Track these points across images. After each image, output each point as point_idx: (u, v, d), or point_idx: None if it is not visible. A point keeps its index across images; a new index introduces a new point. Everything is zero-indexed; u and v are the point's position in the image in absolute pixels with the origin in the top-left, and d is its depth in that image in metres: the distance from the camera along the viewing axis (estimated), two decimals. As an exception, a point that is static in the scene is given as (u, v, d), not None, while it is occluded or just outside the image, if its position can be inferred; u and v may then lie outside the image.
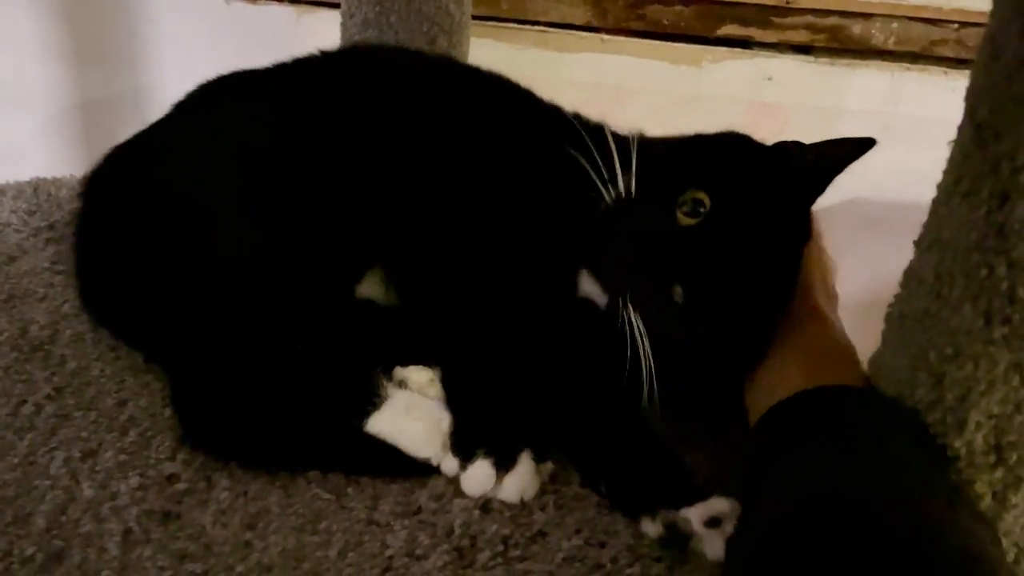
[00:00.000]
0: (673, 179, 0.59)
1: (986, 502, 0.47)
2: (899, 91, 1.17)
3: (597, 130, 0.70)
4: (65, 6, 1.31)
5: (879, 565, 0.38)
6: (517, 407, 0.57)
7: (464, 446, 0.54)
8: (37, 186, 0.87)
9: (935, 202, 0.48)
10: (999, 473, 0.46)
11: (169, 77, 1.31)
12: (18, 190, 0.86)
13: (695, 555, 0.50)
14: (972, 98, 0.44)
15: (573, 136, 0.68)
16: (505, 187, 0.65)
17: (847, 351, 0.57)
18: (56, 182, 0.89)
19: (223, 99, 0.70)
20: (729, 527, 0.49)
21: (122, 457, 0.54)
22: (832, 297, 0.62)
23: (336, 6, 1.20)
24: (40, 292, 0.71)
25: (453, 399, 0.57)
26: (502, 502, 0.53)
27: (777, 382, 0.55)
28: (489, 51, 1.16)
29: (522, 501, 0.53)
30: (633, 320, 0.56)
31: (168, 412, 0.58)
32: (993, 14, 0.43)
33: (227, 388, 0.57)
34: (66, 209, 0.83)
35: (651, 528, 0.51)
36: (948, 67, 1.16)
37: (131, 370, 0.63)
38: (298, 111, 0.67)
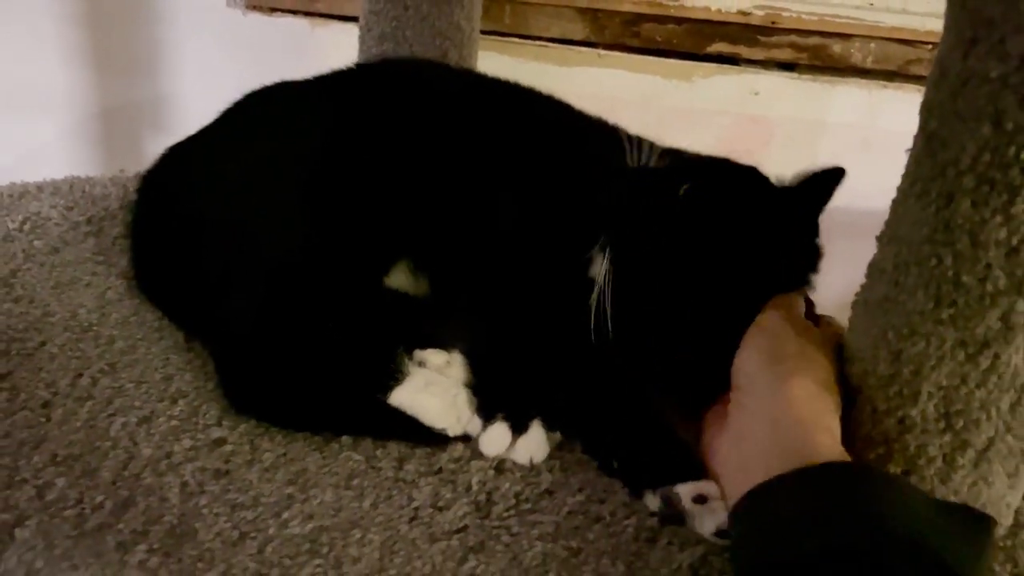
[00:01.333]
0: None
1: (936, 464, 0.54)
2: (877, 107, 1.24)
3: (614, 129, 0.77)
4: (87, 14, 1.37)
5: None
6: (533, 381, 0.64)
7: (485, 409, 0.61)
8: (72, 184, 0.94)
9: (894, 202, 0.55)
10: (947, 438, 0.53)
11: (187, 86, 1.38)
12: (55, 187, 0.93)
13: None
14: (924, 112, 0.52)
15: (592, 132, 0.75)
16: (525, 187, 0.72)
17: (807, 425, 0.52)
18: (89, 180, 0.95)
19: (268, 107, 0.77)
20: (716, 505, 0.54)
21: (174, 423, 0.61)
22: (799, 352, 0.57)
23: (349, 19, 1.28)
24: (85, 279, 0.77)
25: (477, 370, 0.64)
26: (514, 463, 0.59)
27: (737, 467, 0.54)
28: (493, 64, 1.22)
29: (531, 463, 0.60)
30: (603, 266, 0.61)
31: (211, 385, 0.65)
32: (942, 40, 0.50)
33: (267, 362, 0.64)
34: (100, 205, 0.90)
35: (651, 502, 0.57)
36: (923, 85, 1.23)
37: (175, 349, 0.69)
38: (337, 119, 0.74)
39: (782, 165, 0.70)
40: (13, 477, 0.54)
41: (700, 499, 0.55)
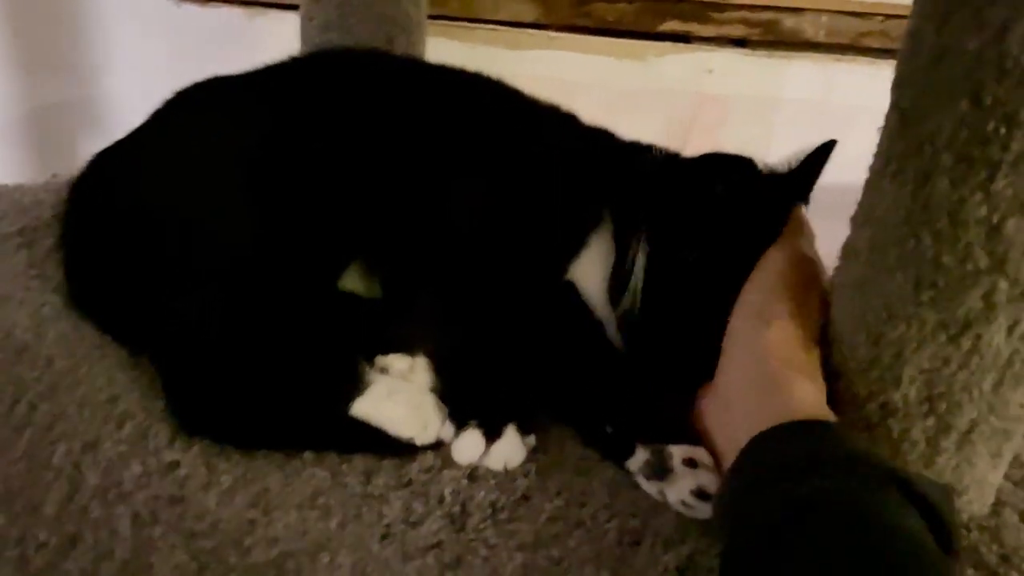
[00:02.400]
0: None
1: (920, 448, 0.53)
2: (831, 81, 1.24)
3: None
4: (11, 14, 1.30)
5: None
6: (504, 384, 0.61)
7: (457, 415, 0.59)
8: (1, 193, 0.88)
9: (867, 183, 0.53)
10: (931, 421, 0.52)
11: (120, 82, 1.32)
12: (-19, 197, 0.87)
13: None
14: (897, 88, 0.50)
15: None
16: (488, 180, 0.69)
17: (797, 361, 0.54)
18: (19, 188, 0.89)
19: (204, 104, 0.73)
20: (703, 475, 0.54)
21: (122, 448, 0.57)
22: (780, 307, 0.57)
23: (288, 7, 1.23)
24: (19, 296, 0.72)
25: (446, 376, 0.61)
26: (488, 471, 0.57)
27: (731, 399, 0.55)
28: (440, 49, 1.19)
29: (506, 469, 0.57)
30: (638, 259, 0.61)
31: (160, 405, 0.61)
32: (913, 13, 0.48)
33: (217, 376, 0.60)
34: (32, 214, 0.84)
35: (640, 455, 0.57)
36: (875, 57, 1.23)
37: (119, 367, 0.65)
38: (280, 113, 0.70)
39: (739, 143, 0.69)
40: (-55, 519, 0.50)
41: (690, 463, 0.55)
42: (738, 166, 0.65)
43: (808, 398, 0.51)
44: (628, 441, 0.58)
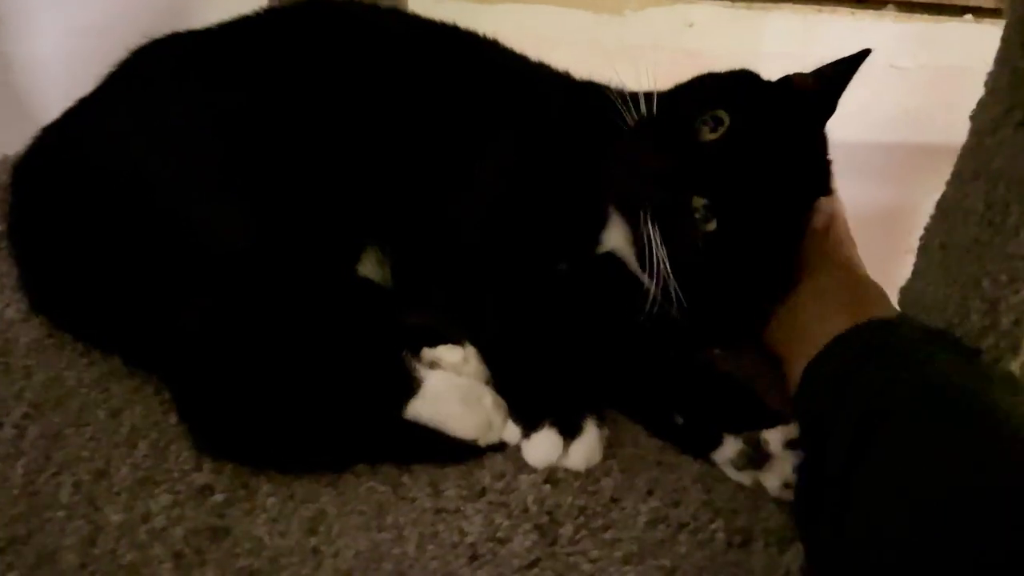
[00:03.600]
0: (691, 103, 0.58)
1: (1034, 418, 0.49)
2: (812, 32, 1.20)
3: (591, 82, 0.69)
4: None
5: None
6: (571, 374, 0.54)
7: (525, 414, 0.52)
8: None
9: (976, 134, 0.49)
10: (1050, 389, 0.48)
11: (35, 38, 1.17)
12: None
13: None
14: (1022, 27, 0.45)
15: (565, 83, 0.66)
16: (510, 144, 0.62)
17: (877, 289, 0.58)
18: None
19: (177, 64, 0.62)
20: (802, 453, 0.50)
21: (140, 473, 0.48)
22: (850, 238, 0.63)
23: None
24: (-26, 298, 0.61)
25: (501, 371, 0.54)
26: (566, 472, 0.51)
27: (815, 324, 0.56)
28: (412, 3, 1.10)
29: (588, 470, 0.51)
30: (653, 237, 0.54)
31: (174, 418, 0.52)
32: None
33: (241, 389, 0.51)
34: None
35: (732, 445, 0.52)
36: (854, 7, 1.20)
37: (113, 376, 0.56)
38: (267, 75, 0.61)
39: None
40: (-60, 579, 0.41)
41: (792, 444, 0.51)
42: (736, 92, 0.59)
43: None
44: (711, 430, 0.53)
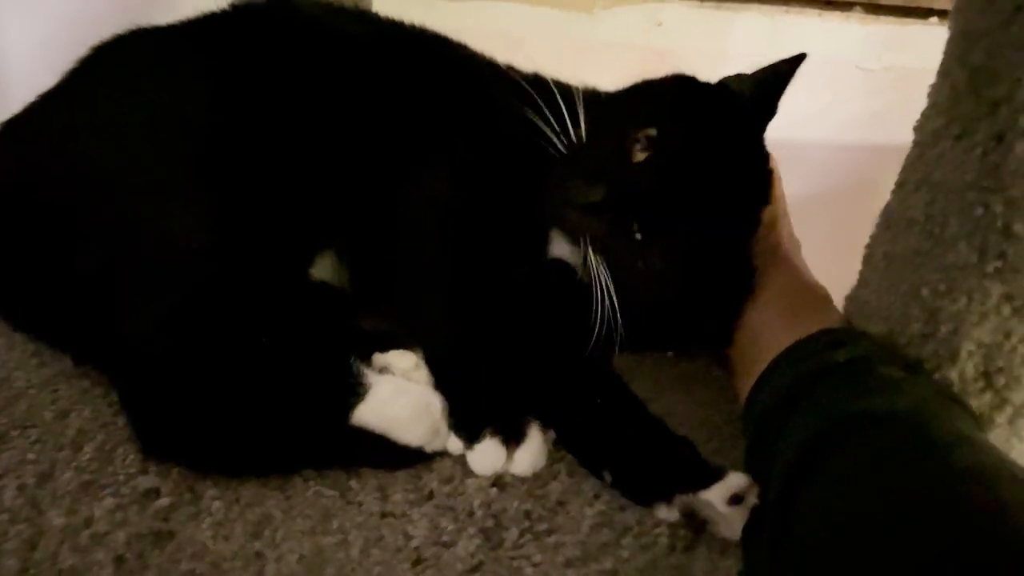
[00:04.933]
0: (622, 121, 0.59)
1: (972, 424, 0.50)
2: (779, 33, 1.21)
3: (538, 82, 0.68)
4: None
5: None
6: (512, 378, 0.55)
7: (467, 425, 0.52)
8: None
9: (920, 145, 0.50)
10: (987, 397, 0.49)
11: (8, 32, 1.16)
12: None
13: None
14: (963, 42, 0.46)
15: (515, 90, 0.66)
16: (461, 150, 0.62)
17: (821, 293, 0.59)
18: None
19: (136, 60, 0.62)
20: (752, 500, 0.47)
21: (85, 477, 0.48)
22: (794, 241, 0.64)
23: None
24: (-78, 298, 0.61)
25: (443, 379, 0.54)
26: (514, 476, 0.51)
27: (759, 337, 0.57)
28: (381, 1, 1.10)
29: (534, 475, 0.51)
30: (595, 263, 0.55)
31: (122, 421, 0.52)
32: (984, -40, 0.44)
33: (187, 391, 0.51)
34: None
35: (666, 514, 0.49)
36: (821, 9, 1.21)
37: (62, 376, 0.56)
38: (227, 74, 0.61)
39: None
40: None
41: (735, 500, 0.47)
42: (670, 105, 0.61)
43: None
44: (643, 495, 0.50)
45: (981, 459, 0.41)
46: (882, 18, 1.21)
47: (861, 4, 1.20)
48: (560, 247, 0.61)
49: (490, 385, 0.54)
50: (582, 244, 0.57)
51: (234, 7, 0.70)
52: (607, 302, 0.56)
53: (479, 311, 0.57)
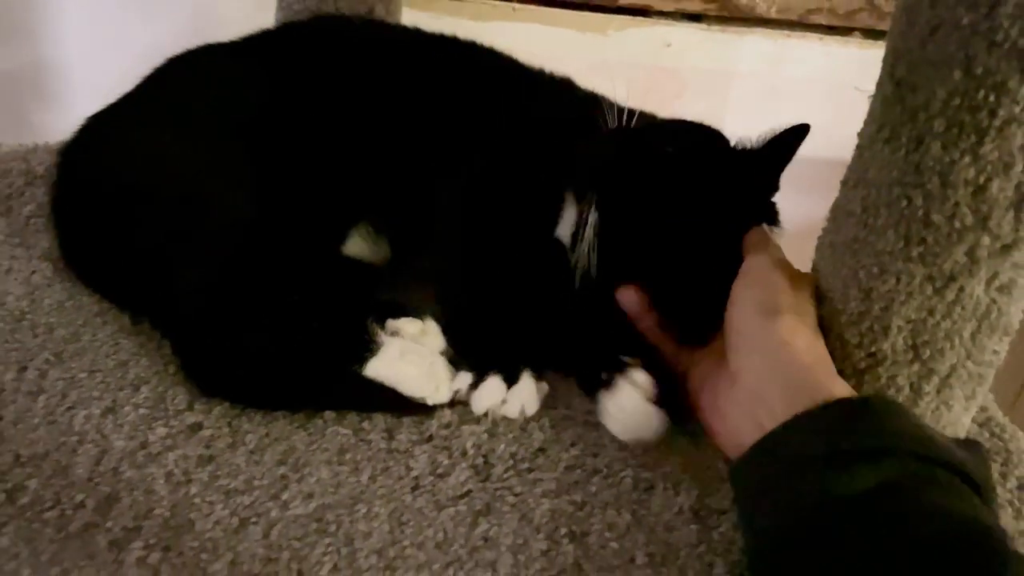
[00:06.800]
0: (661, 133, 0.67)
1: (904, 393, 0.58)
2: (782, 55, 1.29)
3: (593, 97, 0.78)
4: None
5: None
6: (513, 333, 0.64)
7: (475, 367, 0.61)
8: (-35, 162, 0.85)
9: (859, 148, 0.57)
10: (915, 367, 0.56)
11: (73, 49, 1.28)
12: (-57, 167, 0.84)
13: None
14: (891, 59, 0.54)
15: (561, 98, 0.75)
16: (485, 149, 0.71)
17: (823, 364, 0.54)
18: (-16, 157, 0.87)
19: (199, 69, 0.73)
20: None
21: (142, 411, 0.57)
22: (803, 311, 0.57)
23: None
24: (5, 264, 0.71)
25: (457, 328, 0.63)
26: (506, 427, 0.59)
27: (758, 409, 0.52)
28: (407, 20, 1.19)
29: (523, 425, 0.60)
30: (589, 221, 0.62)
31: (172, 369, 0.61)
32: (906, -11, 0.52)
33: (230, 340, 0.60)
34: (2, 183, 0.83)
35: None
36: (822, 33, 1.29)
37: (122, 333, 0.65)
38: (278, 79, 0.71)
39: (695, 115, 0.72)
40: (-24, 482, 0.50)
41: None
42: (701, 134, 0.68)
43: (838, 383, 0.51)
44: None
45: None
46: (880, 43, 1.27)
47: (860, 29, 1.28)
48: (562, 227, 0.69)
49: (497, 338, 0.63)
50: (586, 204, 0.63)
51: (285, 24, 0.80)
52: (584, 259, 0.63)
53: (489, 281, 0.67)
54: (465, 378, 0.60)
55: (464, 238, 0.69)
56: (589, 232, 0.62)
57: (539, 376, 0.61)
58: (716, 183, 0.64)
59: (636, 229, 0.62)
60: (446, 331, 0.64)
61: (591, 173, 0.63)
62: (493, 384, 0.59)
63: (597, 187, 0.62)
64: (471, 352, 0.62)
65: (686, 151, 0.64)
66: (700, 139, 0.66)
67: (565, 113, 0.74)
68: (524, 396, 0.60)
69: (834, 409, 0.47)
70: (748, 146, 0.67)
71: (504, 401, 0.59)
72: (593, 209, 0.62)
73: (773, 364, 0.52)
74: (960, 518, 0.41)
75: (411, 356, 0.61)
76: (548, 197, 0.68)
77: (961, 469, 0.43)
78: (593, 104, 0.74)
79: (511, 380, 0.60)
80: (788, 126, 0.65)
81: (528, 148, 0.70)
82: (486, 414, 0.60)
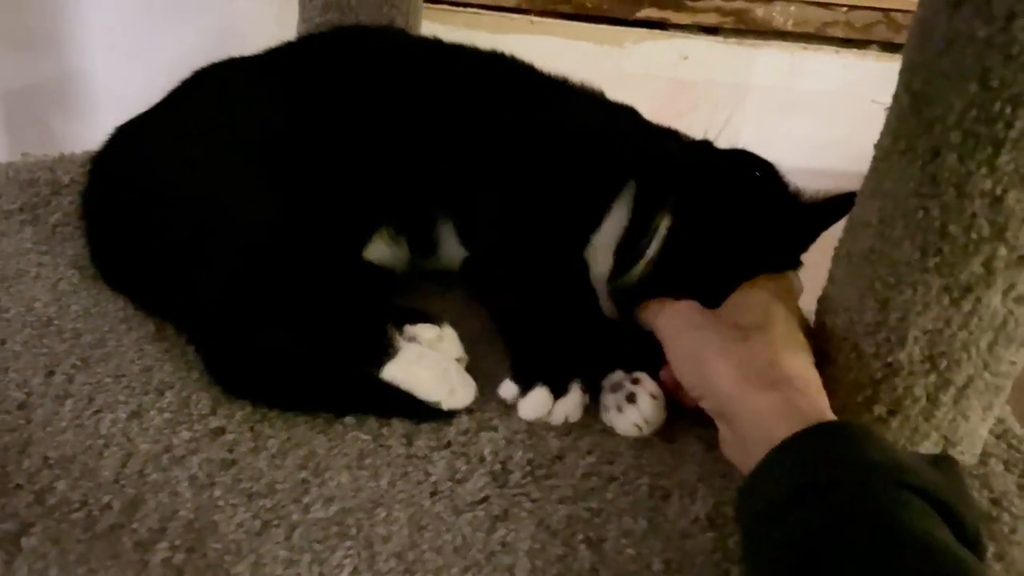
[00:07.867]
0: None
1: (921, 403, 0.58)
2: (798, 68, 1.29)
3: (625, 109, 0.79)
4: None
5: None
6: (568, 342, 0.64)
7: (523, 377, 0.62)
8: (-5, 171, 0.87)
9: (875, 159, 0.58)
10: (932, 378, 0.57)
11: (97, 61, 1.30)
12: (-28, 176, 0.86)
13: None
14: (907, 72, 0.54)
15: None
16: (516, 156, 0.72)
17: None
18: (12, 166, 0.89)
19: (225, 81, 0.74)
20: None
21: (166, 415, 0.58)
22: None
23: (273, -13, 1.23)
24: (32, 272, 0.73)
25: (511, 337, 0.65)
26: (521, 433, 0.60)
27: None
28: (424, 32, 1.21)
29: (540, 432, 0.60)
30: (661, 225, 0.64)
31: (196, 375, 0.62)
32: (923, 4, 0.53)
33: (253, 343, 0.62)
34: (30, 191, 0.85)
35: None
36: (839, 46, 1.29)
37: (147, 339, 0.66)
38: (302, 89, 0.72)
39: (710, 127, 0.73)
40: (6, 484, 0.51)
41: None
42: (767, 166, 0.70)
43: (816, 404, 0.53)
44: None
45: None
46: (896, 56, 1.28)
47: (877, 43, 1.28)
48: (602, 235, 0.70)
49: (545, 348, 0.64)
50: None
51: (307, 36, 0.82)
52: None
53: (539, 287, 0.68)
54: (511, 388, 0.62)
55: (509, 250, 0.70)
56: (658, 237, 0.64)
57: (586, 388, 0.62)
58: (787, 217, 0.67)
59: (708, 241, 0.64)
60: (501, 335, 0.66)
61: (679, 181, 0.65)
62: (540, 395, 0.61)
63: (682, 195, 0.64)
64: (521, 360, 0.63)
65: (772, 179, 0.67)
66: (775, 172, 0.68)
67: (596, 123, 0.74)
68: (569, 407, 0.61)
69: (804, 439, 0.48)
70: (803, 194, 0.69)
71: (550, 412, 0.61)
72: (669, 216, 0.63)
73: (756, 430, 0.53)
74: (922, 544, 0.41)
75: (426, 361, 0.62)
76: (588, 205, 0.69)
77: (926, 490, 0.43)
78: (624, 115, 0.75)
79: (558, 391, 0.61)
80: (843, 192, 0.67)
81: (563, 158, 0.71)
82: (502, 420, 0.61)
